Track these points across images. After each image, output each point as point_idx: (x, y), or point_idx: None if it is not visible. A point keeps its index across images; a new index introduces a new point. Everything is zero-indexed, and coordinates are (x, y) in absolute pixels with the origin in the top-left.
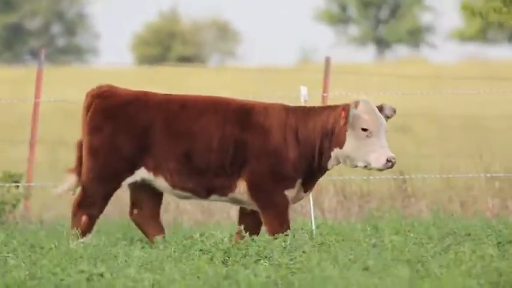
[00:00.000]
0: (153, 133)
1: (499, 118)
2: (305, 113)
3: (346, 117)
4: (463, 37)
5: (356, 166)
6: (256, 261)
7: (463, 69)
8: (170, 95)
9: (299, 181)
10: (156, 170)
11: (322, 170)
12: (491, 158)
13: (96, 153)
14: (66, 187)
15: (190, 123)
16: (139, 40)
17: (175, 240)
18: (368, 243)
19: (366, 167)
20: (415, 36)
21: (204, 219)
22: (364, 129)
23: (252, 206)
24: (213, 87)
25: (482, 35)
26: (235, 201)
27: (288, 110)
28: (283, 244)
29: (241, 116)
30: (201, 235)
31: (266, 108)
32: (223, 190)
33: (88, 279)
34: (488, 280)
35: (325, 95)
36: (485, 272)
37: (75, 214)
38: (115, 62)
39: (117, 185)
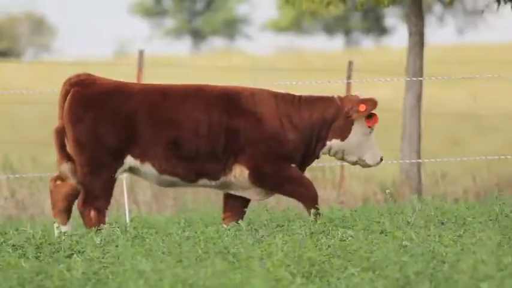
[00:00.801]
0: (137, 121)
1: None
2: (296, 100)
3: (366, 112)
4: (278, 28)
5: (344, 160)
6: (69, 256)
7: (279, 60)
8: (150, 84)
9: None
10: (142, 157)
11: (314, 157)
12: None
13: (82, 146)
14: (73, 177)
15: (175, 110)
16: None
17: None
18: (181, 235)
19: (356, 162)
20: (231, 27)
21: (17, 214)
22: (370, 126)
23: (243, 191)
24: (28, 81)
25: (296, 26)
26: (225, 185)
27: (277, 96)
28: (95, 238)
29: (228, 102)
30: (14, 230)
31: (253, 93)
32: (215, 174)
33: None
34: (300, 270)
35: None
36: (297, 262)
37: (83, 213)
38: None
39: (112, 175)
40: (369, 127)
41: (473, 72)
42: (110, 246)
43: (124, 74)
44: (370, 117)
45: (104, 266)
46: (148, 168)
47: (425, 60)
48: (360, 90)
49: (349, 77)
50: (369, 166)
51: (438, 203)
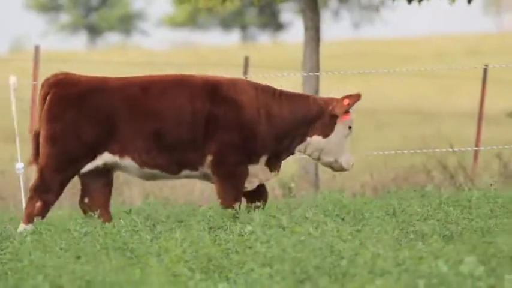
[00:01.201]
0: (116, 117)
1: None
2: (278, 94)
3: (350, 106)
4: (174, 23)
5: (319, 160)
6: None
7: (175, 55)
8: (130, 77)
9: (264, 158)
10: (122, 152)
11: (288, 153)
12: None
13: (55, 140)
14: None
15: (157, 101)
16: None
17: None
18: (80, 231)
19: (330, 164)
20: (127, 23)
21: None
22: (349, 128)
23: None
24: None
25: (192, 21)
26: (205, 176)
27: (257, 87)
28: None
29: (210, 91)
30: None
31: (234, 83)
32: (195, 165)
33: None
34: (199, 266)
35: (35, 83)
36: (196, 258)
37: (31, 198)
38: None
39: (76, 172)
40: (349, 128)
41: (369, 67)
42: (6, 242)
43: (20, 70)
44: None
45: (1, 262)
46: (128, 162)
47: (321, 55)
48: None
49: (245, 72)
50: (342, 170)
51: (336, 198)
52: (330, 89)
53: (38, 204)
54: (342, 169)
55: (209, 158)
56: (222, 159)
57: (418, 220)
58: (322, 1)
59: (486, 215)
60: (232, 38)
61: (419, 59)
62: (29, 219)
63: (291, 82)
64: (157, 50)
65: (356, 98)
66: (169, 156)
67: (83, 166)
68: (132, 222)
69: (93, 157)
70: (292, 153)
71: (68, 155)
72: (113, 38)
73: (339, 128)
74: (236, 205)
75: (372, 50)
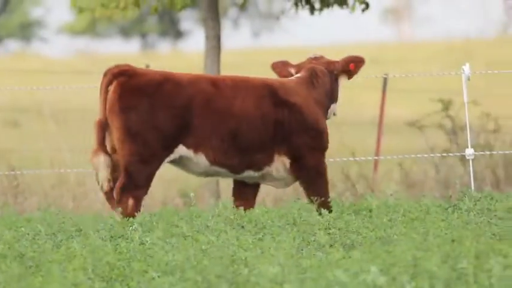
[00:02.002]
0: (192, 111)
1: None
2: (309, 83)
3: (356, 71)
4: (73, 31)
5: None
6: None
7: (74, 63)
8: (196, 74)
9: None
10: (197, 147)
11: None
12: None
13: (134, 134)
14: (104, 171)
15: (230, 102)
16: None
17: None
18: None
19: (334, 114)
20: (27, 30)
21: None
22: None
23: (275, 182)
24: None
25: (92, 29)
26: (264, 176)
27: (297, 83)
28: None
29: (273, 93)
30: None
31: (283, 83)
32: (260, 165)
33: None
34: (99, 274)
35: None
36: (97, 266)
37: (121, 199)
38: None
39: (159, 165)
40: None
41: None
42: None
43: None
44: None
45: None
46: (200, 158)
47: (222, 63)
48: None
49: None
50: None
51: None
52: None
53: (130, 202)
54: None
55: (279, 159)
56: (302, 161)
57: (319, 229)
58: (222, 10)
59: (386, 224)
60: (132, 46)
61: None
62: (129, 217)
63: None
64: (56, 58)
65: (362, 61)
66: (240, 157)
67: (164, 158)
68: (32, 230)
69: (171, 150)
70: None
71: (150, 149)
72: (12, 45)
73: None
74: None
75: (272, 59)
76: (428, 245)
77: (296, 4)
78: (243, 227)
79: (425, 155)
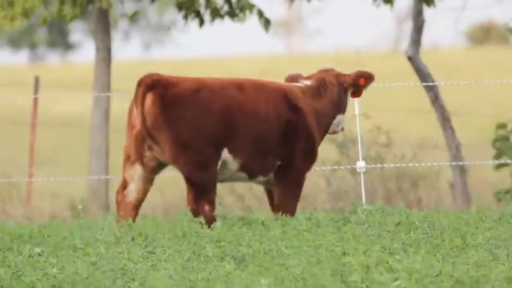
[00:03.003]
0: (230, 116)
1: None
2: (313, 91)
3: (366, 86)
4: None
5: (334, 132)
6: None
7: None
8: (222, 79)
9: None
10: (235, 152)
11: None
12: None
13: (184, 144)
14: (137, 183)
15: (256, 106)
16: None
17: None
18: None
19: (335, 132)
20: None
21: None
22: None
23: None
24: None
25: None
26: (266, 182)
27: (303, 91)
28: None
29: (285, 98)
30: None
31: (291, 88)
32: (269, 170)
33: None
34: None
35: None
36: None
37: (197, 210)
38: None
39: (216, 168)
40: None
41: None
42: None
43: None
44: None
45: None
46: (235, 163)
47: (112, 75)
48: (48, 106)
49: (36, 92)
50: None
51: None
52: (123, 108)
53: (207, 208)
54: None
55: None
56: (289, 167)
57: (209, 242)
58: (113, 21)
59: (277, 237)
60: (21, 57)
61: None
62: (212, 221)
63: (82, 102)
64: None
65: (371, 78)
66: (263, 162)
67: (216, 162)
68: None
69: (220, 153)
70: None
71: (202, 154)
72: None
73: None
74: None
75: (162, 71)
76: (319, 258)
77: (186, 16)
78: (133, 239)
79: (317, 168)
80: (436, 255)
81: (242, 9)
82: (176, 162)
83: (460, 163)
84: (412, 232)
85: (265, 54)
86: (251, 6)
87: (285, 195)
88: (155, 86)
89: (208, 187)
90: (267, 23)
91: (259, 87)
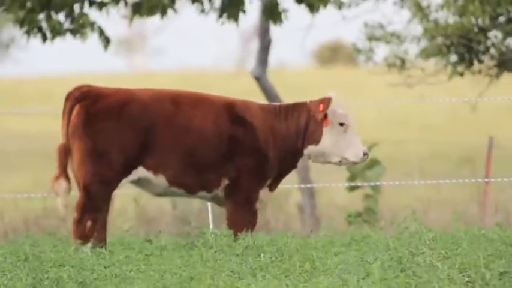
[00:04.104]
0: (153, 131)
1: None
2: (277, 112)
3: (324, 110)
4: None
5: (329, 162)
6: None
7: None
8: (157, 90)
9: (269, 181)
10: (156, 168)
11: (291, 169)
12: None
13: (96, 155)
14: (63, 196)
15: (187, 120)
16: None
17: None
18: None
19: (340, 162)
20: None
21: None
22: (341, 124)
23: (222, 203)
24: None
25: None
26: (214, 198)
27: (263, 108)
28: None
29: (230, 112)
30: None
31: (246, 104)
32: (212, 187)
33: None
34: None
35: None
36: None
37: (80, 220)
38: None
39: (117, 186)
40: (340, 125)
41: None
42: None
43: None
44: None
45: None
46: (160, 179)
47: None
48: None
49: None
50: (355, 163)
51: None
52: None
53: (89, 224)
54: (353, 163)
55: (225, 181)
56: (236, 185)
57: (52, 266)
58: None
59: (122, 261)
60: None
61: (54, 99)
62: (85, 240)
63: None
64: None
65: (326, 102)
66: (194, 177)
67: (122, 179)
68: None
69: (130, 171)
70: (295, 167)
71: (110, 170)
72: None
73: (328, 130)
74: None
75: (1, 89)
76: (165, 282)
77: (28, 32)
78: None
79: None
80: (285, 279)
81: (83, 27)
82: (80, 169)
83: (309, 185)
84: (260, 256)
85: (106, 72)
86: (92, 24)
87: (234, 213)
88: (84, 99)
89: (100, 204)
90: (106, 41)
91: (198, 100)
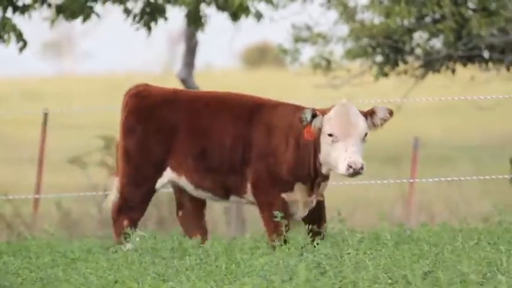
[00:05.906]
0: (177, 132)
1: None
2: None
3: (301, 122)
4: None
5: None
6: None
7: None
8: (197, 92)
9: (298, 185)
10: (179, 170)
11: (320, 175)
12: None
13: (129, 156)
14: (113, 193)
15: (207, 122)
16: None
17: None
18: None
19: (341, 173)
20: None
21: None
22: (330, 135)
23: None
24: None
25: None
26: (252, 203)
27: (298, 108)
28: None
29: (251, 114)
30: None
31: (276, 107)
32: (238, 191)
33: None
34: None
35: None
36: None
37: (116, 220)
38: None
39: (152, 188)
40: (329, 136)
41: None
42: None
43: None
44: None
45: None
46: (183, 181)
47: None
48: None
49: None
50: (347, 176)
51: None
52: None
53: (125, 223)
54: (344, 175)
55: (248, 186)
56: (256, 187)
57: None
58: None
59: (47, 264)
60: None
61: None
62: (122, 239)
63: None
64: None
65: (312, 110)
66: (215, 181)
67: (155, 182)
68: None
69: (161, 173)
70: (327, 175)
71: (140, 172)
72: None
73: (323, 140)
74: (277, 238)
75: None
76: (90, 286)
77: None
78: None
79: (88, 193)
80: (209, 281)
81: (6, 31)
82: (120, 171)
83: None
84: (185, 258)
85: (33, 77)
86: (14, 28)
87: (263, 217)
88: (134, 97)
89: (134, 204)
90: (23, 44)
91: (228, 101)
